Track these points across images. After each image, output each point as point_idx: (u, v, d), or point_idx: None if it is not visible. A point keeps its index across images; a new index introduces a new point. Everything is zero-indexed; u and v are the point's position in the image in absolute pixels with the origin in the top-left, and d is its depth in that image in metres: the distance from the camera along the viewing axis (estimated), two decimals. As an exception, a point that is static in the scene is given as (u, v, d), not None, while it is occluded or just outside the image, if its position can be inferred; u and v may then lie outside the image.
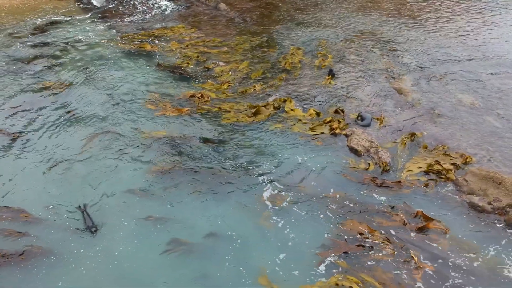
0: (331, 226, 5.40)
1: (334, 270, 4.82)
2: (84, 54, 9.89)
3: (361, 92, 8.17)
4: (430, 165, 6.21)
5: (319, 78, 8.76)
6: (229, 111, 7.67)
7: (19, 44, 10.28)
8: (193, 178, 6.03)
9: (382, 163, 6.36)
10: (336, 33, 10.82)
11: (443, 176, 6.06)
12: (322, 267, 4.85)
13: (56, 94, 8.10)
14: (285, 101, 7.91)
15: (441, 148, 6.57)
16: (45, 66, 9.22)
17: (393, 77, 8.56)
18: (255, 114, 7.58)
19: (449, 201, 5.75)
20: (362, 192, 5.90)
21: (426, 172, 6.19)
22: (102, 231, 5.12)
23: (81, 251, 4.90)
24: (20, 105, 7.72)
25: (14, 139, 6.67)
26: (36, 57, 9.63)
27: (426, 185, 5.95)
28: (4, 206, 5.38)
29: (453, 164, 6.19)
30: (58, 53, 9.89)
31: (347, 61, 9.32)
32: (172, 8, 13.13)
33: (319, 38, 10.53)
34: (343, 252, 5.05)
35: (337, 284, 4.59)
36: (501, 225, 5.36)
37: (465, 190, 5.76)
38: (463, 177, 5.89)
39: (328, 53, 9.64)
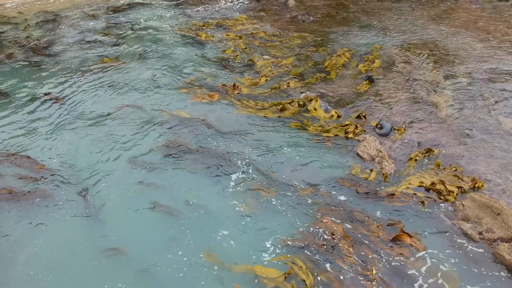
0: (306, 220, 5.43)
1: (287, 259, 4.91)
2: (146, 36, 10.90)
3: (394, 101, 7.84)
4: (433, 183, 5.84)
5: (357, 82, 8.58)
6: (251, 107, 7.91)
7: (95, 21, 11.69)
8: (192, 158, 6.44)
9: (383, 174, 6.13)
10: (396, 39, 10.39)
11: (441, 197, 5.67)
12: (275, 253, 4.98)
13: (108, 69, 9.19)
14: (311, 100, 7.94)
15: (454, 169, 6.11)
16: (110, 44, 10.45)
17: (434, 90, 8.04)
18: (281, 110, 7.71)
19: (438, 222, 5.38)
20: (350, 198, 5.79)
21: (427, 190, 5.84)
22: (95, 188, 5.79)
23: (74, 201, 5.63)
24: (75, 75, 8.94)
25: (56, 102, 7.80)
26: (105, 34, 10.94)
27: (422, 202, 5.63)
28: (27, 156, 6.35)
29: (459, 187, 5.74)
30: (125, 32, 11.11)
31: (394, 69, 8.96)
32: (245, 1, 13.66)
33: (375, 43, 10.22)
34: (304, 245, 5.08)
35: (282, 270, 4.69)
36: (483, 257, 4.90)
37: (459, 215, 5.33)
38: (461, 201, 5.44)
39: (378, 59, 9.35)
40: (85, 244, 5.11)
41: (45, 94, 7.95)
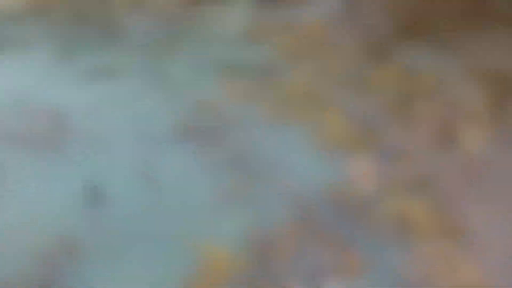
0: (274, 218, 5.31)
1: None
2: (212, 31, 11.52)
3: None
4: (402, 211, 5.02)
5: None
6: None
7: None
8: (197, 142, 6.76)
9: (358, 191, 5.54)
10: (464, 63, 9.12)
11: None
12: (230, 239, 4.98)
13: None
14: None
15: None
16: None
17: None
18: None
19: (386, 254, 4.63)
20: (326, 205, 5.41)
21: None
22: (94, 147, 6.40)
23: (70, 155, 6.33)
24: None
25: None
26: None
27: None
28: (57, 112, 7.27)
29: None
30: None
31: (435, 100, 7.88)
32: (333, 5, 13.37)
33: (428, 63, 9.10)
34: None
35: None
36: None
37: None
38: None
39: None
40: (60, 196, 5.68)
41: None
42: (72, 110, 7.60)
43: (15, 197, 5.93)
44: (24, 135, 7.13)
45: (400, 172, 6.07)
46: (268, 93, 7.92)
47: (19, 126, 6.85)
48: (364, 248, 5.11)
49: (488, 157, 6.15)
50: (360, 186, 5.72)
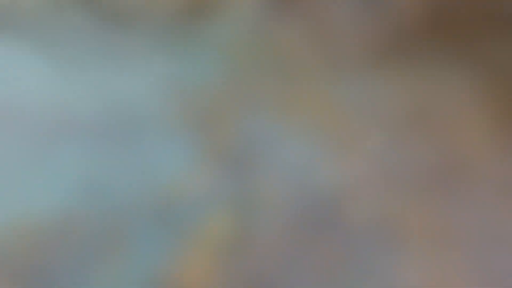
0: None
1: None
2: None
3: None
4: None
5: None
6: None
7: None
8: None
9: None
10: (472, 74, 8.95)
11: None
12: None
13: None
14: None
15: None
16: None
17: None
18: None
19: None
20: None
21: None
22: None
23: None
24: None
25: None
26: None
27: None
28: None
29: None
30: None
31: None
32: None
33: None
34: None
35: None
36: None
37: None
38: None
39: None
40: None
41: None
42: (74, 104, 7.82)
43: (12, 191, 6.14)
44: (24, 129, 7.32)
45: (400, 173, 6.08)
46: (270, 92, 8.14)
47: (20, 120, 6.98)
48: (358, 251, 5.13)
49: (489, 162, 6.10)
50: (357, 187, 5.71)
